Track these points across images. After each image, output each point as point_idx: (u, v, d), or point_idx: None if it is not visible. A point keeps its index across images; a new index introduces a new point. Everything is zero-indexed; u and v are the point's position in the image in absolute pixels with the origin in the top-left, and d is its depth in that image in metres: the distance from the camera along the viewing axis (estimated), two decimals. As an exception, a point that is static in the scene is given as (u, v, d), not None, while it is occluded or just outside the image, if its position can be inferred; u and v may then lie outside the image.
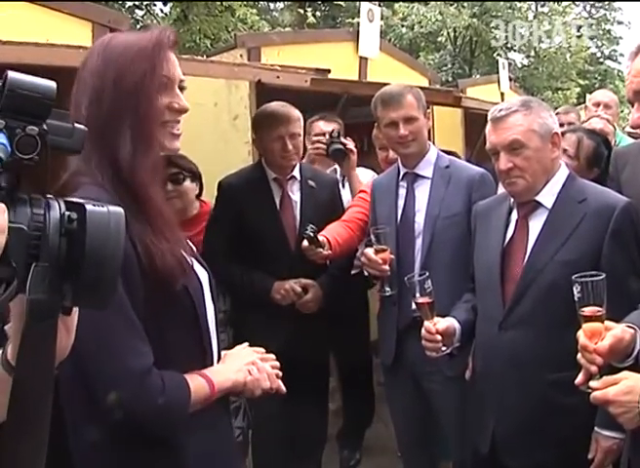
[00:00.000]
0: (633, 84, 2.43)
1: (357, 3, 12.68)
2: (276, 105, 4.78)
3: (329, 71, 6.75)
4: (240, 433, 4.61)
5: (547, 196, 3.31)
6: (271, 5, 32.84)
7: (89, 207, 1.23)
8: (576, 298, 2.53)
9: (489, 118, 3.36)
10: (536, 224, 3.32)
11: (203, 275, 2.32)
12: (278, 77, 5.73)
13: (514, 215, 3.42)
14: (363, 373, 6.08)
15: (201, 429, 2.18)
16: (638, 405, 2.29)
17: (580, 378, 2.50)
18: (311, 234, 4.13)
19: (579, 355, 2.50)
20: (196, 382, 2.15)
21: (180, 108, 2.20)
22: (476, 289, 3.59)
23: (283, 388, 2.50)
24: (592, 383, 2.42)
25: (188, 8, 19.71)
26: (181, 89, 2.24)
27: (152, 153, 2.10)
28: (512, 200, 3.43)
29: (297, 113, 4.69)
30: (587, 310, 2.50)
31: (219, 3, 20.06)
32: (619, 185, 4.77)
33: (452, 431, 4.14)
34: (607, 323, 2.51)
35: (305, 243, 4.17)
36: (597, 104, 6.85)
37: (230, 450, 2.46)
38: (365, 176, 5.55)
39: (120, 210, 1.27)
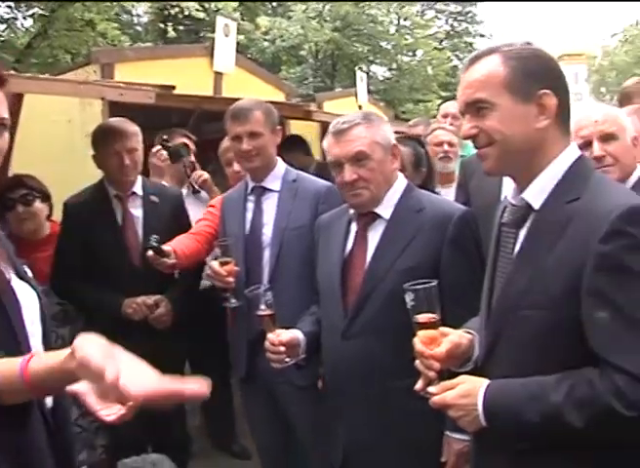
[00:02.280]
0: (464, 96, 2.48)
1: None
2: (113, 121, 4.85)
3: (173, 87, 6.74)
4: (103, 451, 4.59)
5: (385, 207, 3.36)
6: (134, 19, 32.51)
7: None
8: (409, 306, 2.55)
9: (330, 131, 3.39)
10: (375, 235, 3.37)
11: (27, 294, 2.28)
12: (122, 94, 5.68)
13: (354, 227, 3.46)
14: (221, 389, 6.08)
15: None
16: (476, 407, 2.33)
17: (419, 384, 2.52)
18: (154, 244, 4.16)
19: (417, 361, 2.52)
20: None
21: None
22: (320, 301, 3.61)
23: None
24: (431, 388, 2.45)
25: (50, 23, 19.30)
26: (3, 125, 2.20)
27: None
28: (352, 212, 3.47)
29: (134, 128, 4.74)
30: (421, 317, 2.53)
31: (79, 17, 19.71)
32: (467, 193, 4.91)
33: (308, 442, 4.15)
34: (443, 329, 2.55)
35: (150, 252, 4.19)
36: (446, 116, 7.00)
37: None
38: None
39: None
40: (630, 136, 3.50)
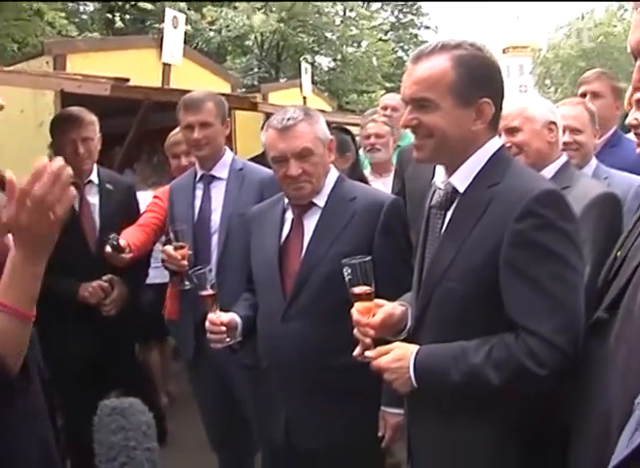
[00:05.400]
0: (410, 90, 2.64)
1: (163, 8, 12.68)
2: (71, 110, 4.93)
3: (128, 80, 6.89)
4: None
5: (321, 196, 3.58)
6: (81, 8, 32.21)
7: None
8: (346, 280, 2.79)
9: (273, 126, 3.52)
10: (310, 222, 3.57)
11: None
12: (80, 86, 5.83)
13: (289, 215, 3.66)
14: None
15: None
16: (408, 370, 2.59)
17: (357, 350, 2.78)
18: (114, 242, 4.27)
19: (355, 330, 2.78)
20: None
21: None
22: (256, 287, 3.77)
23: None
24: (367, 353, 2.71)
25: (-2, 12, 19.18)
26: None
27: None
28: (286, 201, 3.67)
29: (90, 117, 4.84)
30: (357, 289, 2.77)
31: (28, 7, 19.56)
32: (402, 181, 5.13)
33: (252, 416, 4.32)
34: (377, 301, 2.81)
35: (109, 249, 4.28)
36: (385, 108, 7.23)
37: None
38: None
39: None
40: (542, 122, 3.83)
